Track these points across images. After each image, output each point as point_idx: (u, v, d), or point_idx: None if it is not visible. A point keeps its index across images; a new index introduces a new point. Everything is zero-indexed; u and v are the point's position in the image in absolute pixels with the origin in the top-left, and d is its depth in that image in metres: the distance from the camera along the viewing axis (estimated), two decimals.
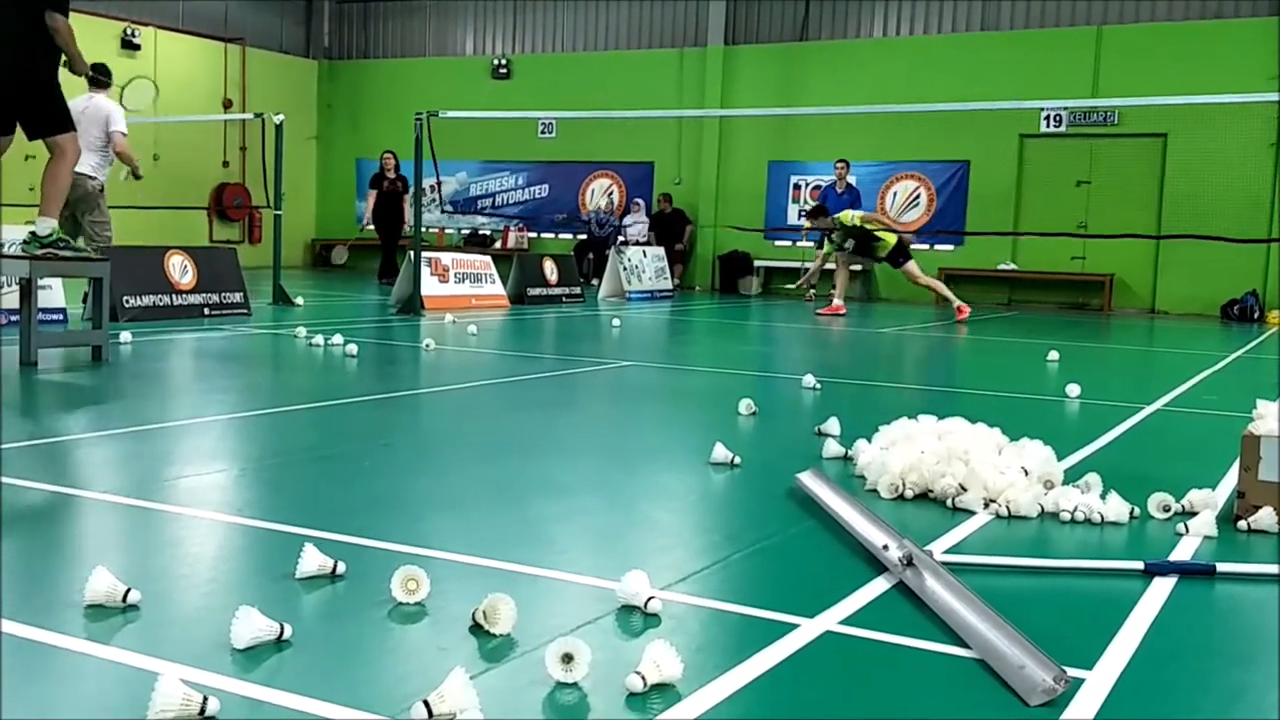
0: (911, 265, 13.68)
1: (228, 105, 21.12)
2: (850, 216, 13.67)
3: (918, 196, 18.32)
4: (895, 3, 18.57)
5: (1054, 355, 8.89)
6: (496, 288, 13.62)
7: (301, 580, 2.67)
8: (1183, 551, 3.25)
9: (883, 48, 18.57)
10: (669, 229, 19.31)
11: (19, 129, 6.42)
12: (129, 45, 19.33)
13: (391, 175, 16.12)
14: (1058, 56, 17.07)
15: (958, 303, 13.44)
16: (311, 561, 2.70)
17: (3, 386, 5.66)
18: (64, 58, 6.42)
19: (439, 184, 15.16)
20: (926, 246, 18.06)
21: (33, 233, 6.47)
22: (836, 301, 13.84)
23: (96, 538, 3.16)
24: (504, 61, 21.52)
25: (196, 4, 20.74)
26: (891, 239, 13.60)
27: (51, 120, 6.38)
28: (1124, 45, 16.81)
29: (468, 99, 20.22)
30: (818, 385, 6.62)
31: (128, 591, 2.46)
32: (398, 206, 16.04)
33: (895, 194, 18.51)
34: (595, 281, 16.91)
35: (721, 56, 19.50)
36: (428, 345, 8.32)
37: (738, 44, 19.56)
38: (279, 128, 12.05)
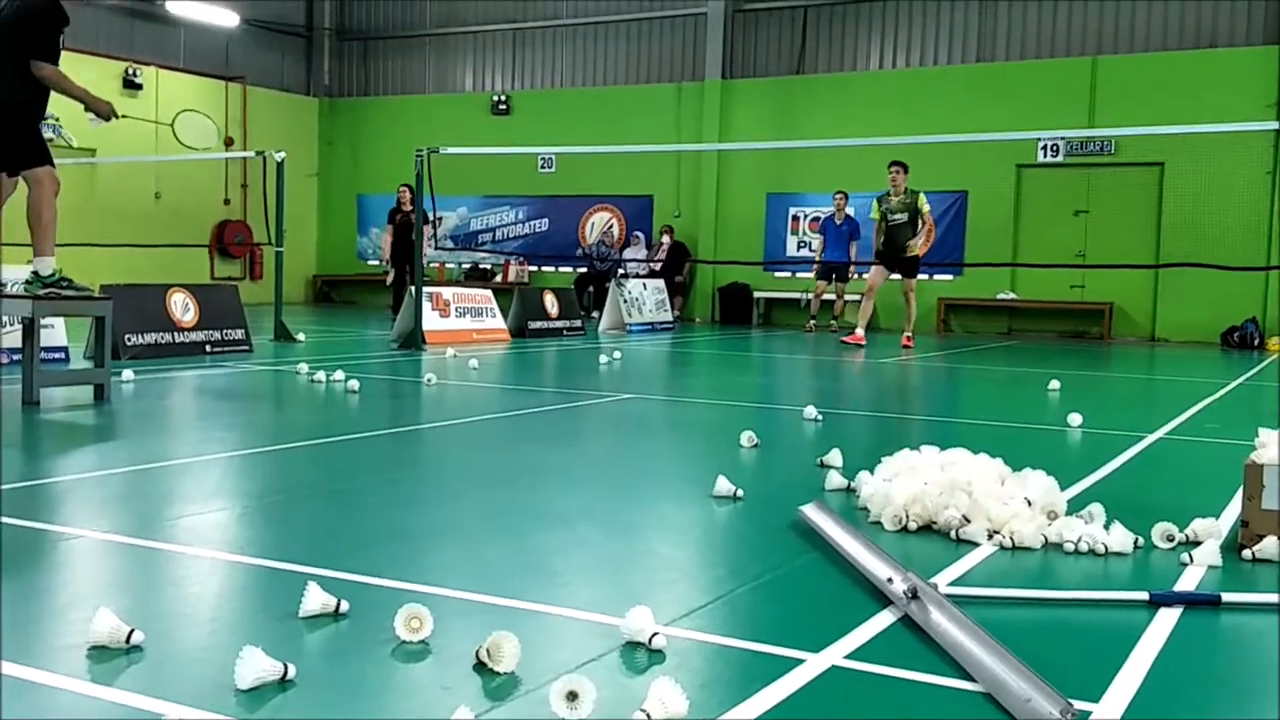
0: (914, 284, 13.76)
1: (229, 143, 21.23)
2: (924, 201, 13.52)
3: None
4: (891, 36, 18.72)
5: (1055, 384, 8.89)
6: (497, 321, 13.65)
7: (305, 619, 2.66)
8: (1187, 581, 3.25)
9: (879, 80, 18.70)
10: (670, 262, 19.37)
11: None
12: (131, 85, 19.46)
13: (408, 208, 15.81)
14: (1054, 87, 17.18)
15: (859, 331, 13.63)
16: (315, 600, 2.70)
17: (5, 426, 5.67)
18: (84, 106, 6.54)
19: (436, 220, 15.17)
20: (926, 276, 18.08)
21: (35, 272, 6.50)
22: (859, 331, 13.68)
23: (99, 578, 3.15)
24: (504, 98, 21.66)
25: (198, 42, 20.90)
26: (917, 248, 13.60)
27: (27, 156, 6.46)
28: (1120, 75, 16.92)
29: (468, 135, 20.35)
30: (819, 417, 6.62)
31: (131, 632, 2.45)
32: (409, 240, 15.93)
33: None
34: (596, 314, 16.94)
35: (719, 90, 19.63)
36: (429, 380, 8.33)
37: (735, 78, 19.69)
38: (280, 165, 12.12)
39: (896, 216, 13.44)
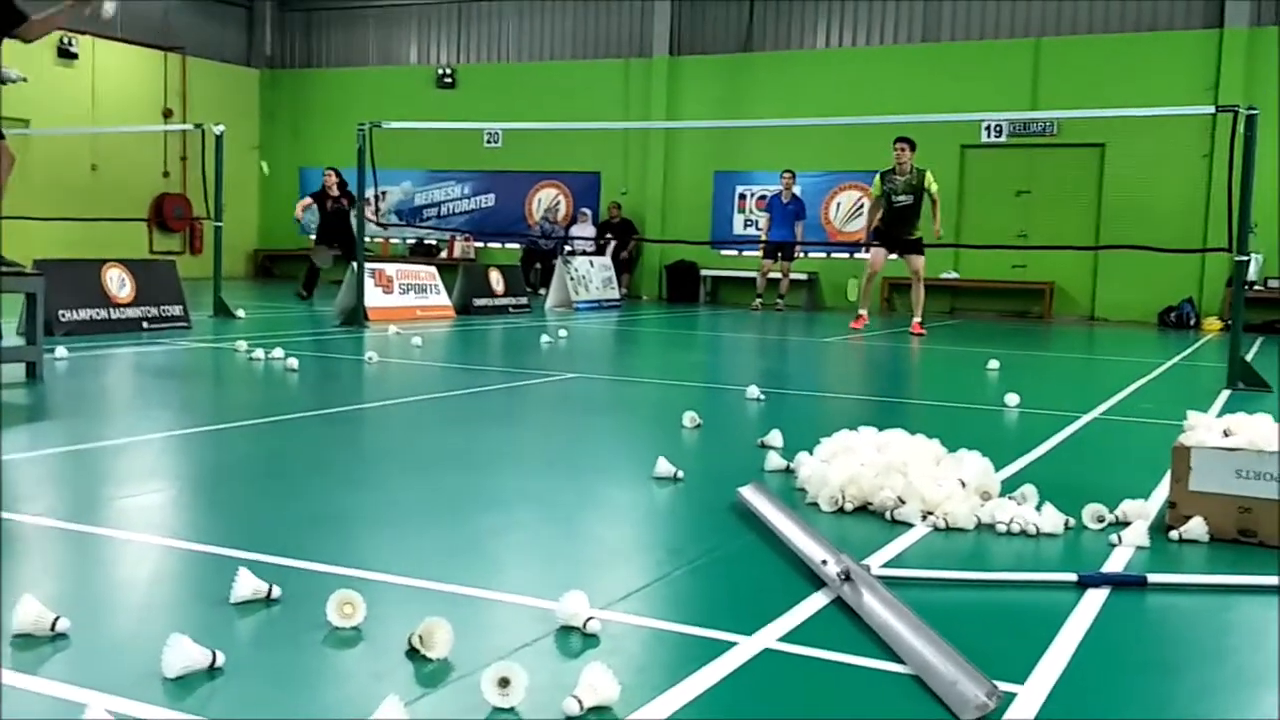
0: (921, 265, 12.98)
1: (168, 115, 20.84)
2: (932, 179, 12.73)
3: (861, 206, 18.47)
4: (838, 14, 18.76)
5: (994, 364, 9.00)
6: (442, 298, 13.55)
7: (236, 605, 2.64)
8: (1116, 562, 3.31)
9: (826, 58, 18.74)
10: (618, 237, 19.34)
11: None
12: (66, 54, 19.02)
13: (335, 193, 15.43)
14: (998, 68, 17.34)
15: (863, 313, 13.32)
16: (246, 586, 2.67)
17: None
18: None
19: (378, 195, 14.94)
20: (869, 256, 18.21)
21: None
22: (863, 313, 13.34)
23: (26, 563, 3.10)
24: (449, 71, 21.45)
25: (136, 12, 20.45)
26: (932, 232, 12.95)
27: None
28: (1062, 56, 17.10)
29: (413, 108, 20.13)
30: (762, 396, 6.65)
31: (56, 619, 2.41)
32: (345, 224, 15.47)
33: (839, 204, 18.69)
34: (543, 291, 16.88)
35: (666, 67, 19.58)
36: (370, 358, 8.25)
37: (683, 54, 19.64)
38: (219, 139, 11.91)
39: (901, 198, 12.62)
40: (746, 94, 18.88)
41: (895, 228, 12.81)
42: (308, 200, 15.93)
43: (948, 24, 18.06)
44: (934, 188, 12.73)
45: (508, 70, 21.10)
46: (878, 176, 12.92)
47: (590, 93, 19.86)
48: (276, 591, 2.68)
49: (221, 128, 12.02)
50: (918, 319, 12.89)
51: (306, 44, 23.18)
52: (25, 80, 8.29)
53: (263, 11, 22.96)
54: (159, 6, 20.81)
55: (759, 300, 16.95)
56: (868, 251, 13.37)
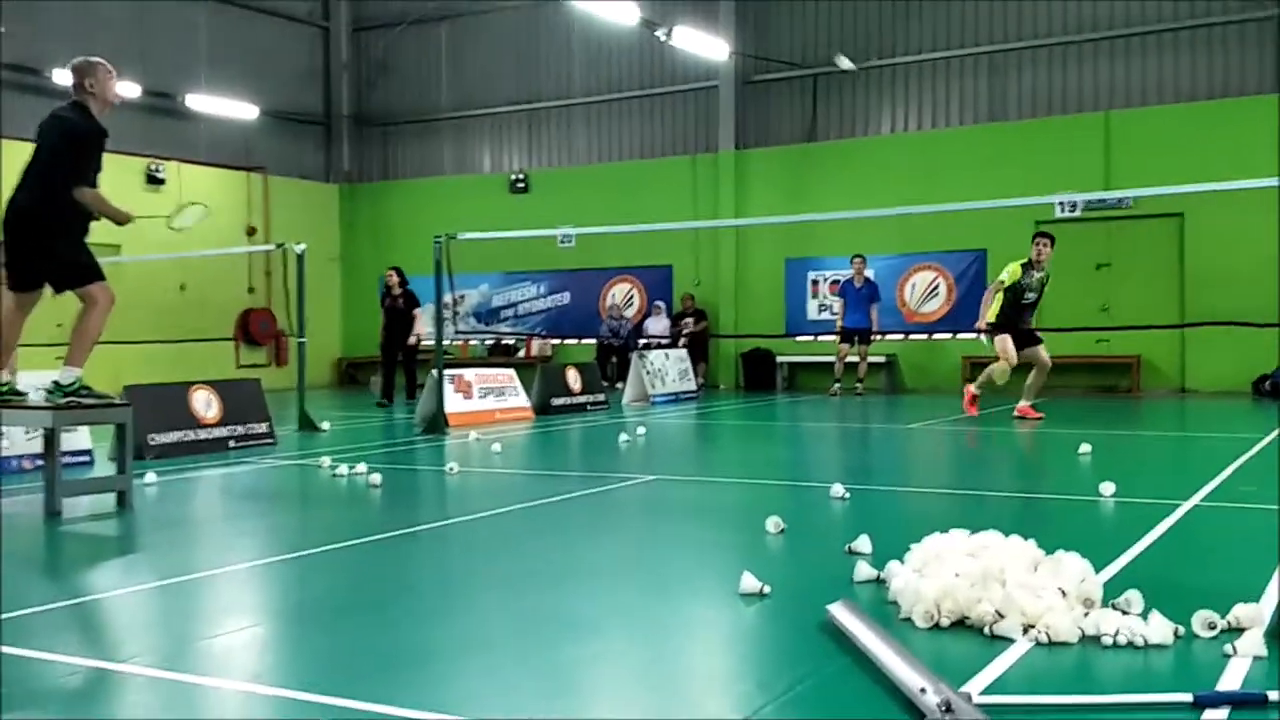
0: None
1: (251, 232, 21.49)
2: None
3: (937, 287, 18.33)
4: (901, 99, 18.81)
5: (1085, 448, 8.74)
6: (520, 399, 13.63)
7: None
8: (1232, 677, 3.13)
9: (891, 144, 18.77)
10: (697, 320, 19.41)
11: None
12: (154, 180, 19.75)
13: (396, 292, 15.73)
14: (1067, 143, 17.19)
15: (1027, 404, 12.17)
16: None
17: (28, 541, 5.66)
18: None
19: (455, 299, 15.16)
20: (949, 335, 18.02)
21: (56, 381, 6.52)
22: (1023, 403, 12.20)
23: (111, 714, 3.09)
24: (521, 176, 21.88)
25: (218, 135, 21.24)
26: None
27: (77, 275, 6.49)
28: (1133, 128, 16.91)
29: (487, 213, 20.53)
30: (846, 495, 6.52)
31: None
32: (398, 324, 15.71)
33: (914, 285, 18.53)
34: (620, 385, 16.90)
35: (733, 161, 19.75)
36: (451, 469, 8.27)
37: (748, 148, 19.81)
38: (300, 257, 12.21)
39: (1034, 294, 11.97)
40: (813, 182, 18.93)
41: (1019, 319, 12.07)
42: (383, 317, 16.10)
43: (1014, 102, 18.01)
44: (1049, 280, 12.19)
45: (578, 173, 21.45)
46: (1017, 266, 11.96)
47: (659, 189, 20.08)
48: None
49: (303, 246, 12.30)
50: (1028, 403, 12.18)
51: (383, 156, 23.83)
52: (207, 208, 8.56)
53: (340, 128, 23.70)
54: (240, 128, 21.59)
55: (837, 385, 16.79)
56: (989, 340, 12.23)
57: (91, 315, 6.52)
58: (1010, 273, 11.99)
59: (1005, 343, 11.97)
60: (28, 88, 17.63)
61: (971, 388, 12.32)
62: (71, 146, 6.41)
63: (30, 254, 6.43)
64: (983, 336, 12.78)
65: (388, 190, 23.54)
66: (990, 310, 12.17)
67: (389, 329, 15.68)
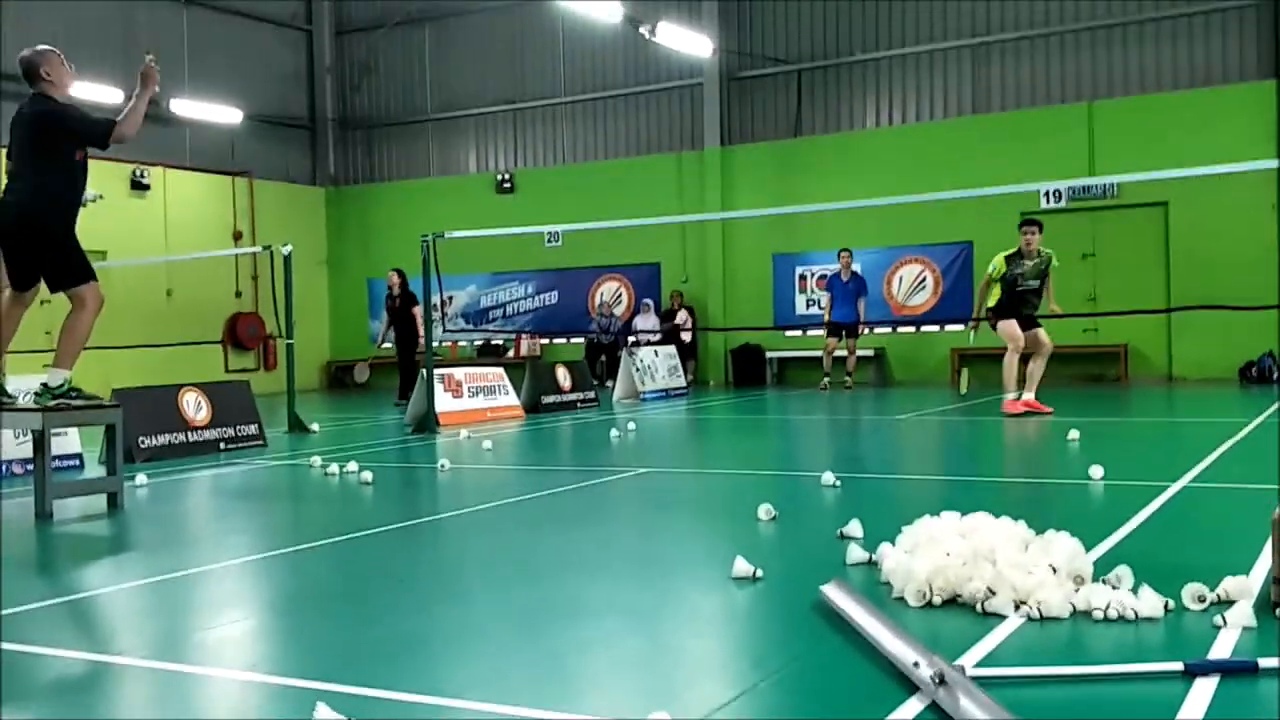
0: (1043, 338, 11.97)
1: (238, 236, 21.44)
2: (1055, 260, 11.92)
3: (924, 280, 18.39)
4: (886, 93, 18.87)
5: (1074, 434, 8.79)
6: (510, 398, 13.62)
7: None
8: (1222, 646, 3.16)
9: (877, 137, 18.82)
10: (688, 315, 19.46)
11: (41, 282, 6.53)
12: (139, 186, 19.71)
13: (396, 293, 15.83)
14: (1052, 133, 17.26)
15: (1025, 395, 11.72)
16: None
17: (20, 542, 5.64)
18: (81, 203, 6.51)
19: (443, 301, 15.16)
20: (937, 328, 18.07)
21: (44, 384, 6.50)
22: (1027, 395, 11.72)
23: (110, 707, 3.09)
24: (507, 176, 21.87)
25: (204, 140, 21.19)
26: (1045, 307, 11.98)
27: (72, 273, 6.46)
28: (1117, 117, 16.99)
29: (474, 214, 20.53)
30: (837, 482, 6.54)
31: None
32: (400, 324, 15.81)
33: (901, 278, 18.59)
34: (610, 383, 16.91)
35: (719, 157, 19.78)
36: (443, 466, 8.27)
37: (734, 144, 19.84)
38: (287, 259, 12.19)
39: (1030, 283, 11.76)
40: (799, 177, 18.97)
41: (1019, 307, 11.85)
42: (385, 323, 16.13)
43: (997, 93, 18.07)
44: (1056, 265, 12.02)
45: (564, 172, 21.46)
46: (1001, 259, 11.77)
47: (645, 187, 20.10)
48: None
49: (289, 248, 12.29)
50: (1032, 395, 11.77)
51: (369, 159, 23.81)
52: (101, 198, 8.46)
53: (324, 131, 23.67)
54: (225, 133, 21.54)
55: (826, 380, 16.82)
56: (993, 328, 12.03)
57: (80, 317, 6.50)
58: (995, 265, 11.91)
59: (1010, 327, 11.80)
60: (8, 95, 17.56)
61: (1009, 398, 11.78)
62: (62, 128, 6.35)
63: (32, 250, 6.39)
64: (973, 331, 12.78)
65: (374, 193, 23.52)
66: (990, 298, 12.07)
67: (396, 329, 15.79)
